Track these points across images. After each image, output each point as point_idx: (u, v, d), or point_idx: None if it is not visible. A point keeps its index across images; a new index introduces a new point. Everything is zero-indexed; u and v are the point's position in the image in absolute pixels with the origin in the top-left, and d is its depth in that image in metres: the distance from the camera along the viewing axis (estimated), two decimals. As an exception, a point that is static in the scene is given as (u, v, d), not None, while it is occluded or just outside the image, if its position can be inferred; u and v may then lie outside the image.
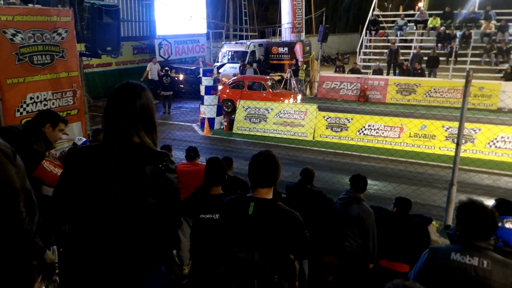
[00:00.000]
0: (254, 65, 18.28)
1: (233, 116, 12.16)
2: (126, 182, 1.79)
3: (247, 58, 17.98)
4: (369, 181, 4.12)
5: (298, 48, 18.60)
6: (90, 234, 1.83)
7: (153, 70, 15.15)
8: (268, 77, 14.63)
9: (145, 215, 1.84)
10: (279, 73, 17.11)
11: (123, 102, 1.85)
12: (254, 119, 11.69)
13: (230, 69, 17.96)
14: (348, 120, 10.73)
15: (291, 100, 13.31)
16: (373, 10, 20.97)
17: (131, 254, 1.83)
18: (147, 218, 1.85)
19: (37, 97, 5.47)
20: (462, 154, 5.07)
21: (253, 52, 18.50)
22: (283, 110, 11.44)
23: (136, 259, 1.84)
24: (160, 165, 1.82)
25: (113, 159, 1.80)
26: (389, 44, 18.16)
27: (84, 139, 5.46)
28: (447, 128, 9.78)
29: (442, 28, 18.16)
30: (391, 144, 10.12)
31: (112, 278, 1.83)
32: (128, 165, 1.80)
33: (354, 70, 17.11)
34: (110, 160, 1.80)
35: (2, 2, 5.30)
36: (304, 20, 20.86)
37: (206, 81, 11.70)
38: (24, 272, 2.00)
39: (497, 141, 9.34)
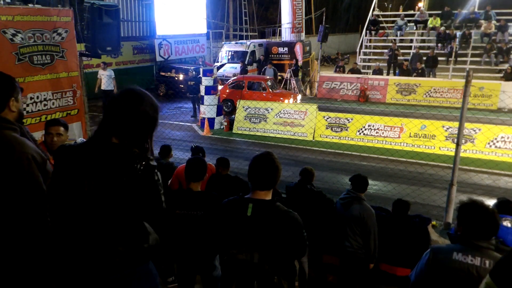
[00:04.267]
0: (255, 65, 18.28)
1: (233, 116, 12.16)
2: (100, 179, 1.78)
3: (247, 58, 17.97)
4: (369, 181, 4.12)
5: (298, 48, 18.59)
6: (70, 233, 1.83)
7: (104, 79, 12.53)
8: (268, 77, 14.64)
9: (122, 216, 1.81)
10: (279, 73, 17.12)
11: (123, 107, 1.81)
12: (254, 119, 11.68)
13: (230, 69, 17.96)
14: (348, 120, 10.73)
15: (291, 100, 13.32)
16: (373, 10, 20.97)
17: (110, 253, 1.82)
18: (125, 219, 1.82)
19: (37, 97, 5.47)
20: (462, 154, 5.07)
21: (253, 52, 18.49)
22: (283, 110, 11.44)
23: (116, 257, 1.83)
24: (136, 166, 1.78)
25: (90, 157, 1.79)
26: (389, 44, 18.18)
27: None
28: (447, 128, 9.78)
29: (442, 28, 18.17)
30: (391, 144, 10.12)
31: (95, 277, 1.82)
32: (104, 163, 1.78)
33: (354, 70, 17.12)
34: (86, 158, 1.80)
35: (2, 2, 5.30)
36: (304, 20, 20.85)
37: (206, 81, 11.71)
38: (42, 281, 2.01)
39: (497, 141, 9.34)
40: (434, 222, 4.99)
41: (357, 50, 20.14)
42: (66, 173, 1.82)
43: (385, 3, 28.92)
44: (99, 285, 1.83)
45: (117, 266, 1.83)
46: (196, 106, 13.10)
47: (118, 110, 1.82)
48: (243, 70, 16.80)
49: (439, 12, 19.84)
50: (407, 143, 10.00)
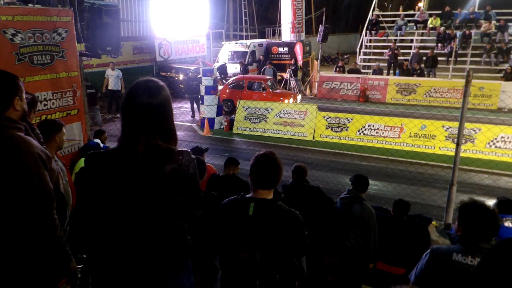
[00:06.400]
0: (255, 65, 18.25)
1: (233, 116, 12.16)
2: (149, 186, 1.79)
3: (247, 58, 17.96)
4: (369, 181, 4.12)
5: (298, 48, 18.58)
6: (116, 239, 1.83)
7: (112, 78, 12.49)
8: (268, 77, 14.64)
9: (170, 215, 1.85)
10: (279, 73, 17.13)
11: (140, 102, 1.80)
12: (254, 119, 11.68)
13: (230, 69, 17.93)
14: (348, 120, 10.73)
15: (291, 100, 13.32)
16: (373, 10, 20.98)
17: (159, 255, 1.84)
18: (173, 217, 1.86)
19: (37, 97, 5.45)
20: (462, 154, 5.05)
21: (253, 52, 18.48)
22: (283, 110, 11.44)
23: (166, 257, 1.85)
24: (181, 163, 1.82)
25: (134, 164, 1.78)
26: (389, 44, 18.19)
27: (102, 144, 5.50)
28: (447, 128, 9.78)
29: (442, 28, 18.18)
30: (391, 144, 10.12)
31: (142, 279, 1.83)
32: (149, 168, 1.78)
33: (354, 70, 17.12)
34: (130, 166, 1.79)
35: (2, 2, 5.30)
36: (304, 20, 20.85)
37: (206, 81, 11.71)
38: (48, 277, 2.03)
39: (497, 141, 9.34)
40: (434, 222, 4.99)
41: (357, 50, 20.15)
42: (111, 186, 1.80)
43: (385, 3, 28.90)
44: (153, 282, 1.84)
45: (168, 263, 1.86)
46: (195, 106, 13.11)
47: (132, 112, 1.82)
48: (244, 70, 16.80)
49: (439, 12, 19.85)
50: (407, 143, 10.00)
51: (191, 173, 1.86)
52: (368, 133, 10.47)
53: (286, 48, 18.94)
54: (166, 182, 1.80)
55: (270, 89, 13.55)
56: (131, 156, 1.80)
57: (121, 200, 1.79)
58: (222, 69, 16.75)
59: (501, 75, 15.24)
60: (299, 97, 14.35)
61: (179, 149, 1.89)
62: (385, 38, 20.11)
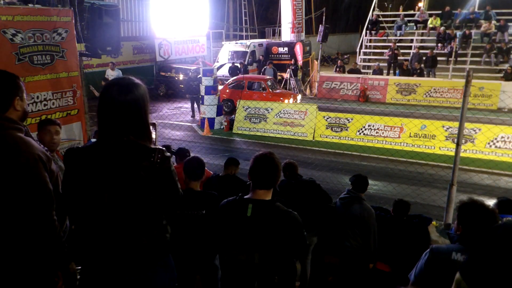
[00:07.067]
0: (255, 65, 18.25)
1: (233, 116, 12.16)
2: (121, 182, 1.79)
3: (247, 58, 17.96)
4: (369, 181, 4.12)
5: (298, 48, 18.57)
6: (93, 234, 1.84)
7: (111, 78, 13.16)
8: (268, 77, 14.64)
9: (145, 211, 1.84)
10: (279, 73, 17.13)
11: (111, 99, 1.82)
12: (254, 119, 11.68)
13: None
14: (348, 120, 10.73)
15: (291, 100, 13.31)
16: (373, 10, 20.97)
17: (135, 250, 1.84)
18: (147, 214, 1.85)
19: (37, 97, 5.46)
20: (462, 154, 5.06)
21: (253, 52, 18.48)
22: (283, 110, 11.44)
23: (140, 254, 1.85)
24: (153, 160, 1.81)
25: (106, 160, 1.80)
26: (389, 44, 18.20)
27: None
28: (447, 128, 9.78)
29: (442, 28, 18.18)
30: (391, 144, 10.12)
31: (119, 276, 1.83)
32: (122, 164, 1.79)
33: (354, 70, 17.11)
34: (103, 161, 1.80)
35: (2, 2, 5.30)
36: (304, 20, 20.85)
37: (206, 81, 11.71)
38: (47, 279, 2.03)
39: (497, 141, 9.34)
40: (434, 222, 4.99)
41: (357, 50, 20.14)
42: (83, 180, 1.82)
43: (385, 3, 28.89)
44: (126, 278, 1.84)
45: (142, 259, 1.85)
46: (196, 106, 13.11)
47: (104, 109, 1.84)
48: (244, 70, 16.80)
49: (439, 12, 19.84)
50: (407, 143, 10.00)
51: (164, 170, 1.84)
52: (368, 133, 10.47)
53: (286, 48, 18.94)
54: (137, 178, 1.79)
55: (270, 89, 13.55)
56: (104, 152, 1.81)
57: (92, 195, 1.80)
58: (233, 70, 16.69)
59: (501, 75, 15.24)
60: (299, 97, 14.35)
61: (154, 146, 1.88)
62: (385, 38, 20.10)
